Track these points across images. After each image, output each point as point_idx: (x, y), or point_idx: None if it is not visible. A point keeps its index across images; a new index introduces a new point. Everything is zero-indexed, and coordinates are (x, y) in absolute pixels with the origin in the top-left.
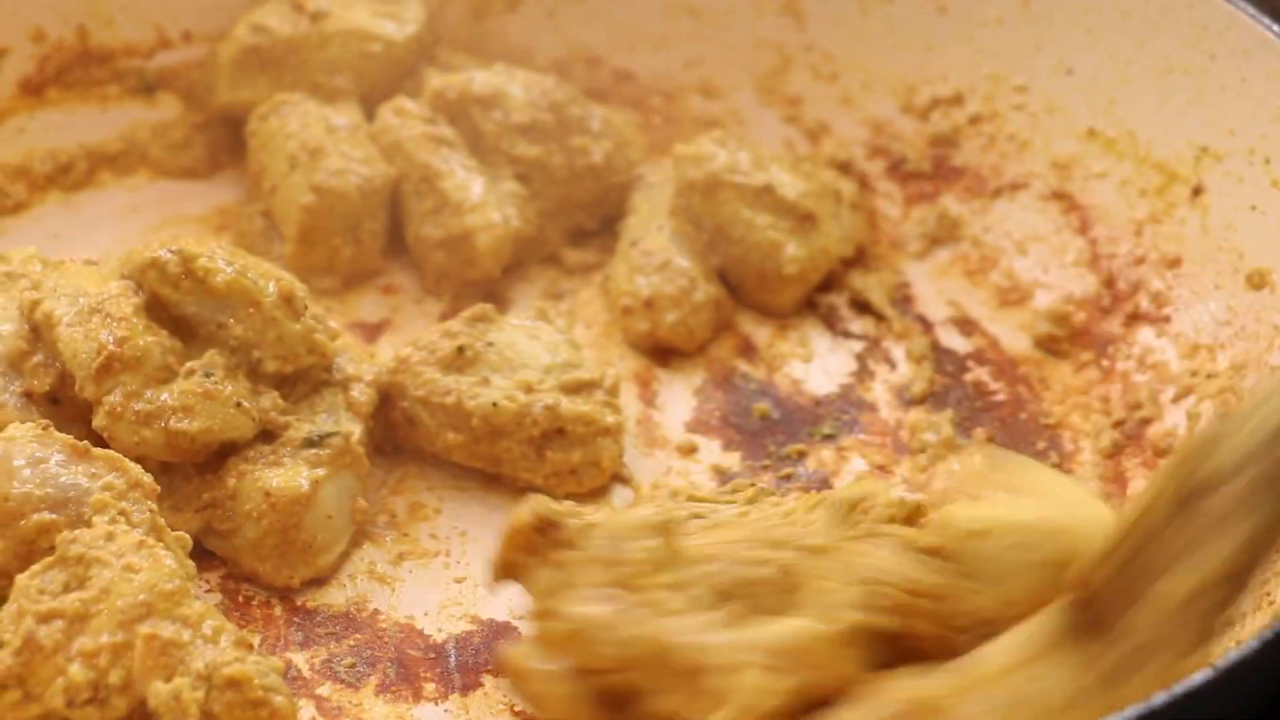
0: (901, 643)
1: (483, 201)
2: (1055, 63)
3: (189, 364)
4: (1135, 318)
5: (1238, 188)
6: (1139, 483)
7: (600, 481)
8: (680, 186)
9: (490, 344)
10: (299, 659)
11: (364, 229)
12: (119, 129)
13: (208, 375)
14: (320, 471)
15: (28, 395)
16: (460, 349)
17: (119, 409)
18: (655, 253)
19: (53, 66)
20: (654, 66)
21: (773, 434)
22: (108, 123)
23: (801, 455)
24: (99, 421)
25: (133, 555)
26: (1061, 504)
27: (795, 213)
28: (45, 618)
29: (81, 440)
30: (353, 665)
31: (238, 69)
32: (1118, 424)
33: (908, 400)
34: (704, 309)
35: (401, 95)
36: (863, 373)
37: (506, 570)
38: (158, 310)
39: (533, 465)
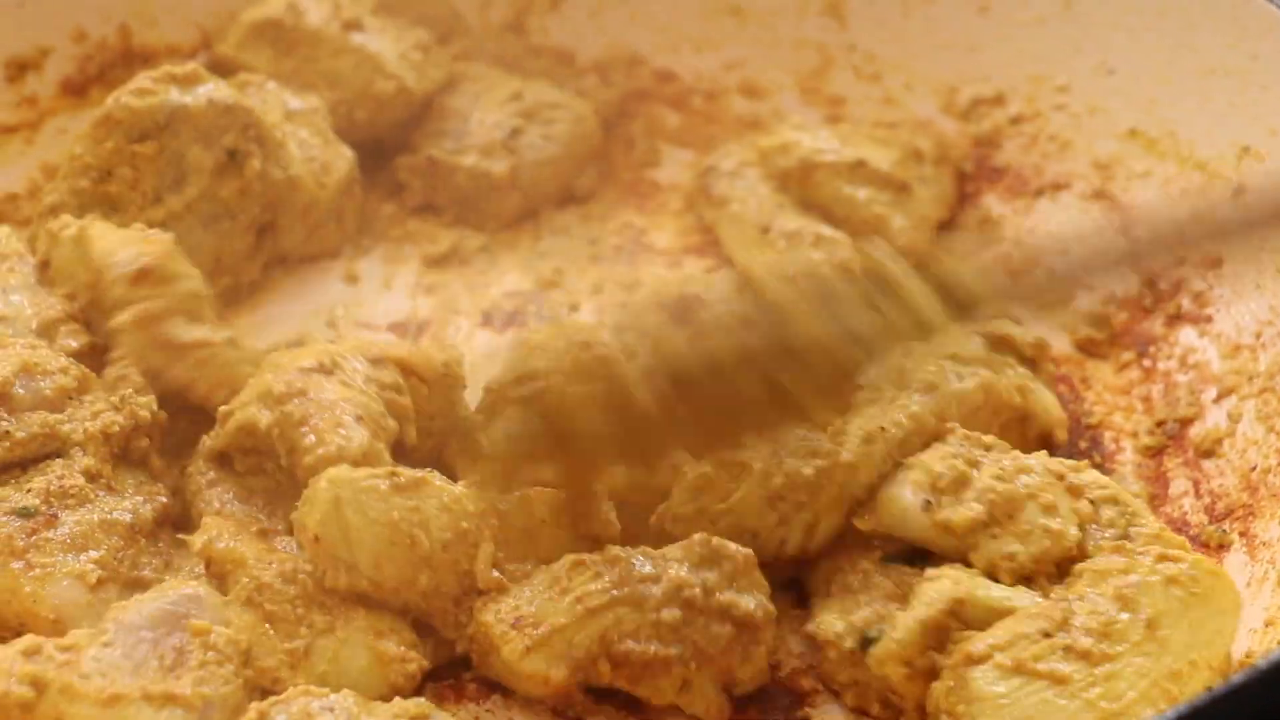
0: None
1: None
2: (1097, 63)
3: None
4: (1177, 318)
5: None
6: (1181, 483)
7: None
8: (775, 177)
9: None
10: None
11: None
12: None
13: None
14: None
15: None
16: None
17: None
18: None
19: (94, 66)
20: (696, 67)
21: None
22: None
23: None
24: None
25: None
26: None
27: (891, 183)
28: None
29: None
30: None
31: (253, 32)
32: (1159, 424)
33: None
34: None
35: None
36: None
37: None
38: None
39: None
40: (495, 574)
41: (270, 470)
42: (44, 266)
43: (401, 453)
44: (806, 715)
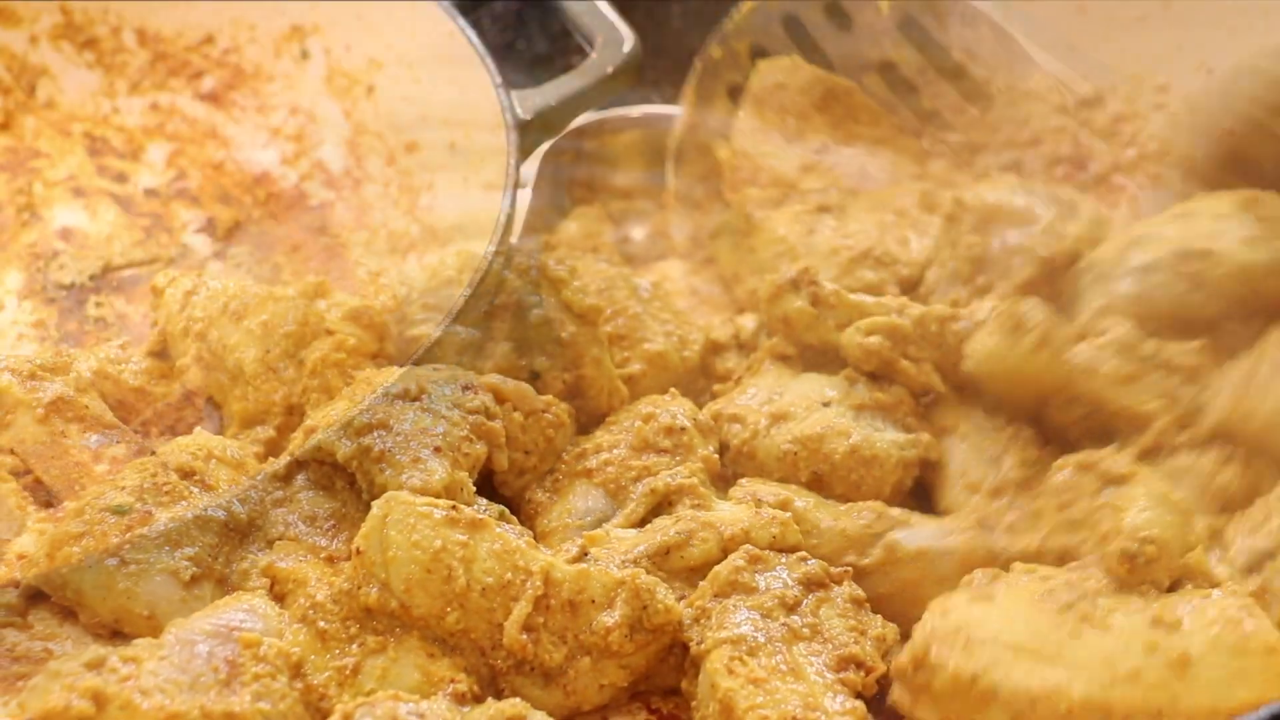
0: None
1: None
2: (1196, 63)
3: None
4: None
5: None
6: None
7: None
8: None
9: None
10: None
11: None
12: None
13: None
14: None
15: None
16: None
17: None
18: None
19: None
20: None
21: None
22: None
23: None
24: None
25: None
26: None
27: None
28: None
29: None
30: None
31: None
32: None
33: None
34: None
35: None
36: None
37: None
38: None
39: None
40: (524, 637)
41: (339, 488)
42: None
43: (488, 481)
44: None
